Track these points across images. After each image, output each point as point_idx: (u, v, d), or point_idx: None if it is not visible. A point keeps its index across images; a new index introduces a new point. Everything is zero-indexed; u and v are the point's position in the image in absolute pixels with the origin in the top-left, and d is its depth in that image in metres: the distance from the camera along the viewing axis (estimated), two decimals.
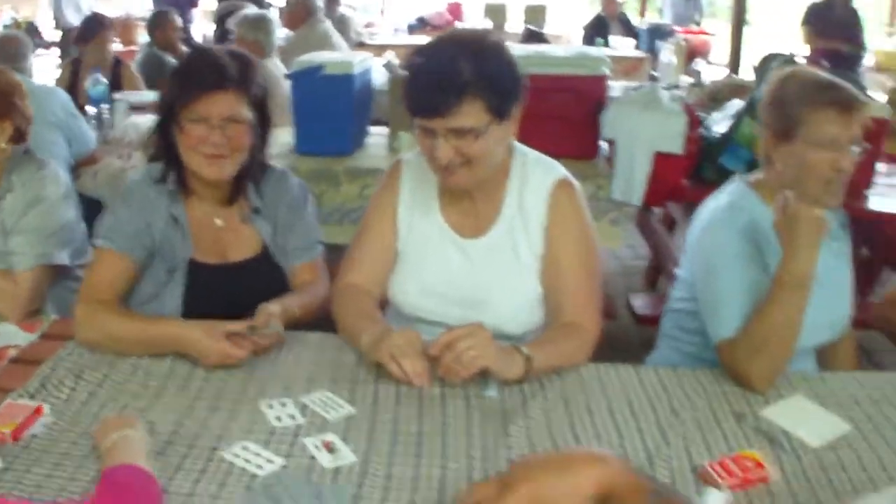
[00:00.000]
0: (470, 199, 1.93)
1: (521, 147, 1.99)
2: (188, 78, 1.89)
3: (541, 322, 1.94)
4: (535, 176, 1.93)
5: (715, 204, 2.09)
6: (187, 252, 1.96)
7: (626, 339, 2.25)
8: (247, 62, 1.94)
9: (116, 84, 4.92)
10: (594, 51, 4.22)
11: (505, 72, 1.76)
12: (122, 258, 1.91)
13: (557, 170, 1.97)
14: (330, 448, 1.50)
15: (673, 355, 2.19)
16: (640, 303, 3.79)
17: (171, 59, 5.58)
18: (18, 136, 2.14)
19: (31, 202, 2.09)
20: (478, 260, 1.92)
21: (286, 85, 3.70)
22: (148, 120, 3.70)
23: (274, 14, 6.03)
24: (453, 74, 1.69)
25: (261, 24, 4.91)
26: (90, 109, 4.39)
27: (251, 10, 5.37)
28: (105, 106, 4.42)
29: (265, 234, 2.03)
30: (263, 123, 1.98)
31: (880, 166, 4.09)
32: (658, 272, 4.57)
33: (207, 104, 1.85)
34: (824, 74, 2.03)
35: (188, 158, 1.90)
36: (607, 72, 3.68)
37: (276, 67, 4.77)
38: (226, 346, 1.73)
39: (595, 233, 1.98)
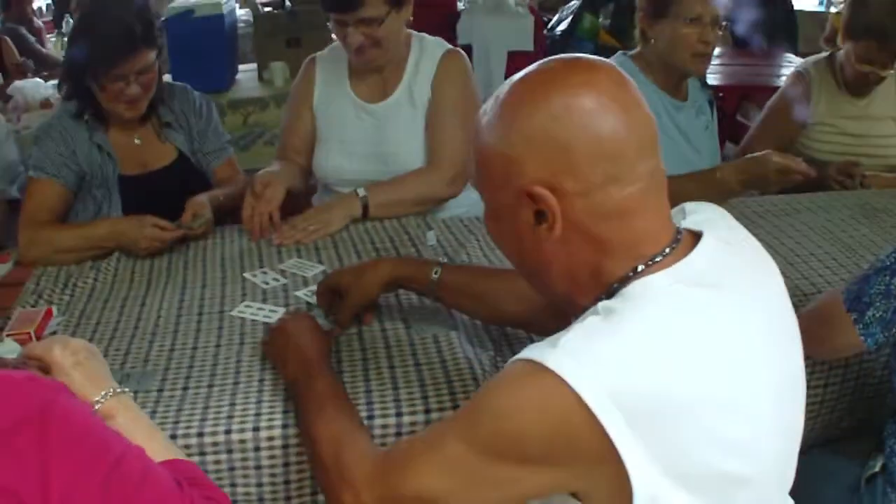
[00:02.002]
0: (377, 72, 2.30)
1: (419, 33, 2.37)
2: (101, 46, 2.04)
3: None
4: (431, 47, 2.34)
5: None
6: (115, 170, 2.19)
7: None
8: (145, 12, 2.13)
9: None
10: None
11: None
12: (53, 183, 2.12)
13: (448, 45, 2.39)
14: None
15: None
16: None
17: (27, 33, 5.69)
18: None
19: None
20: (384, 119, 2.30)
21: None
22: (30, 84, 3.86)
23: None
24: None
25: None
26: None
27: None
28: None
29: (179, 143, 2.29)
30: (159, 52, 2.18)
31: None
32: None
33: (123, 67, 2.04)
34: None
35: (109, 106, 2.13)
36: None
37: None
38: (153, 230, 1.99)
39: (477, 97, 2.33)
